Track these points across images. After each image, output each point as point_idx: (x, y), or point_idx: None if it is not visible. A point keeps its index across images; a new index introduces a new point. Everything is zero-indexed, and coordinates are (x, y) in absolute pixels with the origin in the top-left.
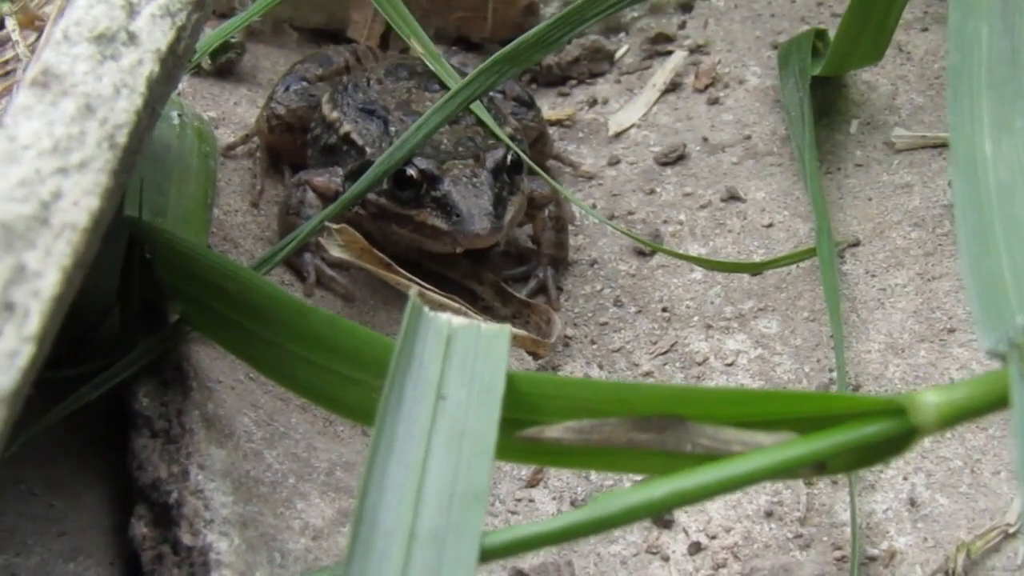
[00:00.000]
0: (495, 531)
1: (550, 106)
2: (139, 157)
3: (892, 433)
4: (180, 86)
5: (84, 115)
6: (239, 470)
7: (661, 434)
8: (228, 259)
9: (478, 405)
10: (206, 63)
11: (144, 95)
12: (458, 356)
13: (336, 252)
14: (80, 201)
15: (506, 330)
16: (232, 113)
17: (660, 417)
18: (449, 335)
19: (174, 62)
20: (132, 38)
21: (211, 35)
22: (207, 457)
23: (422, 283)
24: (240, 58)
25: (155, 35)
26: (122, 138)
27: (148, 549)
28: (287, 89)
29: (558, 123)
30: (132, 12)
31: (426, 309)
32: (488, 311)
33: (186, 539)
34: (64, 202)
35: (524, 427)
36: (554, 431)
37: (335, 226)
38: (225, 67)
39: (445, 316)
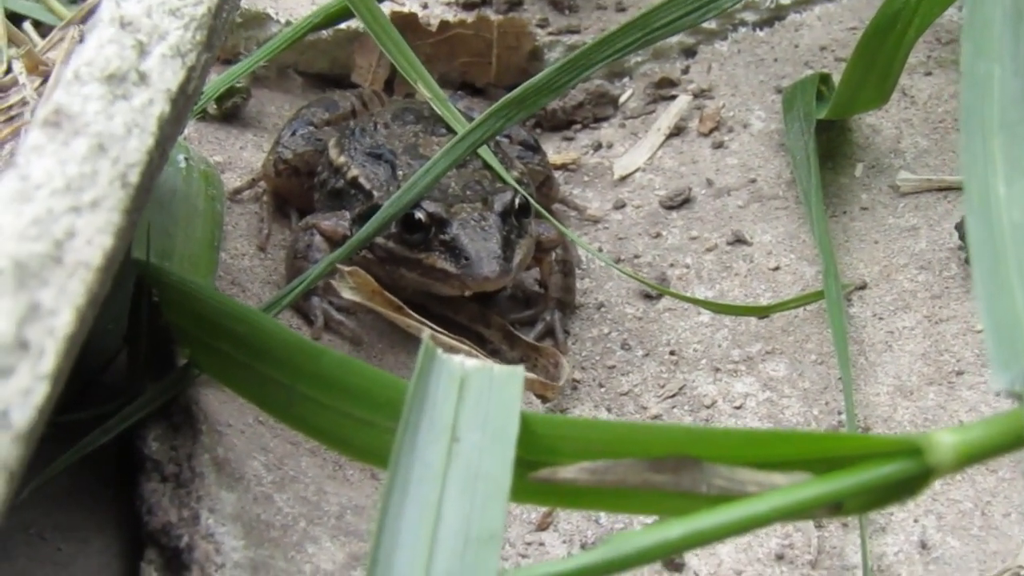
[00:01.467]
0: (510, 571)
1: (555, 150)
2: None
3: (909, 473)
4: (186, 131)
5: (96, 154)
6: (249, 514)
7: (676, 475)
8: (236, 301)
9: (492, 447)
10: (212, 108)
11: (155, 135)
12: (472, 398)
13: (347, 294)
14: (93, 240)
15: (519, 372)
16: (238, 158)
17: (675, 458)
18: (462, 377)
19: (184, 102)
20: (143, 78)
21: (216, 80)
22: (217, 501)
23: (432, 325)
24: (245, 103)
25: (166, 75)
26: (134, 177)
27: None
28: (294, 133)
29: (563, 167)
30: (143, 52)
31: (439, 351)
32: (496, 354)
33: None
34: (77, 241)
35: (537, 468)
36: (568, 472)
37: (347, 268)
38: (231, 112)
39: (458, 358)
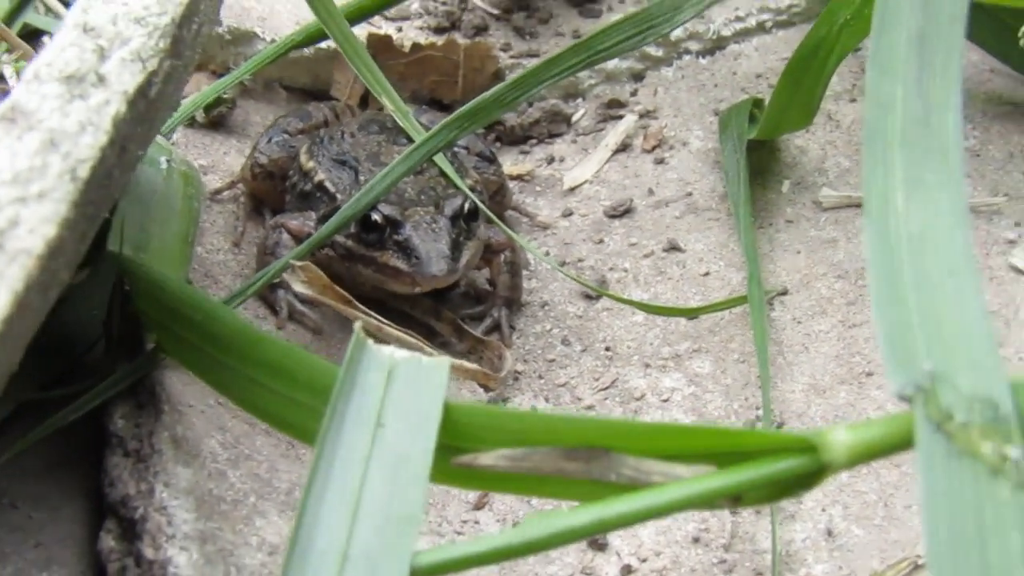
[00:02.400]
0: (426, 551)
1: (512, 162)
2: (123, 198)
3: (803, 469)
4: (174, 136)
5: (47, 149)
6: (203, 488)
7: (587, 464)
8: (198, 291)
9: (415, 433)
10: (200, 116)
11: (110, 133)
12: (398, 387)
13: (299, 288)
14: (37, 229)
15: (445, 362)
16: (221, 162)
17: (587, 448)
18: (391, 367)
19: (146, 105)
20: (101, 80)
21: (205, 91)
22: (173, 476)
23: (380, 318)
24: (231, 112)
25: (124, 78)
26: (84, 172)
27: (114, 561)
28: (269, 141)
29: (519, 178)
30: (103, 56)
31: (370, 342)
32: (445, 346)
33: (148, 553)
34: (20, 229)
35: (463, 454)
36: (488, 458)
37: (298, 264)
38: (217, 120)
39: (388, 349)
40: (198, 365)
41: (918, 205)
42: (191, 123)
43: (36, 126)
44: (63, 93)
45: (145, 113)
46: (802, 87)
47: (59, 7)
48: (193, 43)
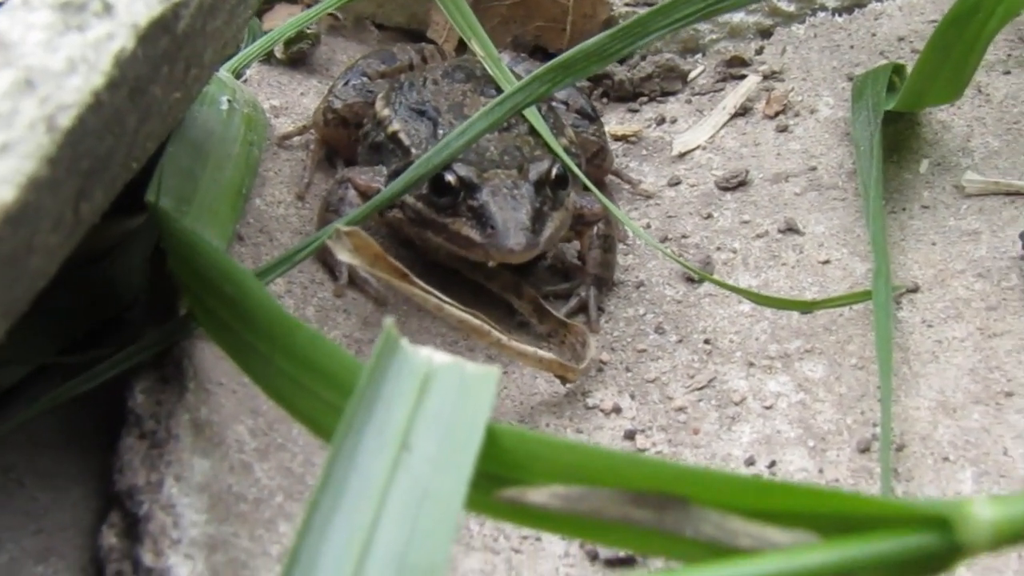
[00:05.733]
0: None
1: (618, 121)
2: (173, 142)
3: (933, 549)
4: (247, 72)
5: (21, 91)
6: (221, 484)
7: (659, 513)
8: (231, 260)
9: (448, 462)
10: (279, 51)
11: (109, 74)
12: (433, 401)
13: (344, 258)
14: None
15: (493, 373)
16: (297, 103)
17: (660, 494)
18: (426, 375)
19: (171, 41)
20: (107, 9)
21: (286, 24)
22: (188, 468)
23: (441, 296)
24: (314, 49)
25: (136, 8)
26: (66, 120)
27: (113, 562)
28: (346, 84)
29: (624, 139)
30: None
31: (403, 342)
32: (524, 327)
33: (147, 559)
34: None
35: (507, 484)
36: (539, 495)
37: (346, 229)
38: (297, 57)
39: (425, 351)
40: (226, 340)
41: None
42: (268, 59)
43: (14, 62)
44: (55, 23)
45: (172, 51)
46: (952, 55)
47: None
48: None
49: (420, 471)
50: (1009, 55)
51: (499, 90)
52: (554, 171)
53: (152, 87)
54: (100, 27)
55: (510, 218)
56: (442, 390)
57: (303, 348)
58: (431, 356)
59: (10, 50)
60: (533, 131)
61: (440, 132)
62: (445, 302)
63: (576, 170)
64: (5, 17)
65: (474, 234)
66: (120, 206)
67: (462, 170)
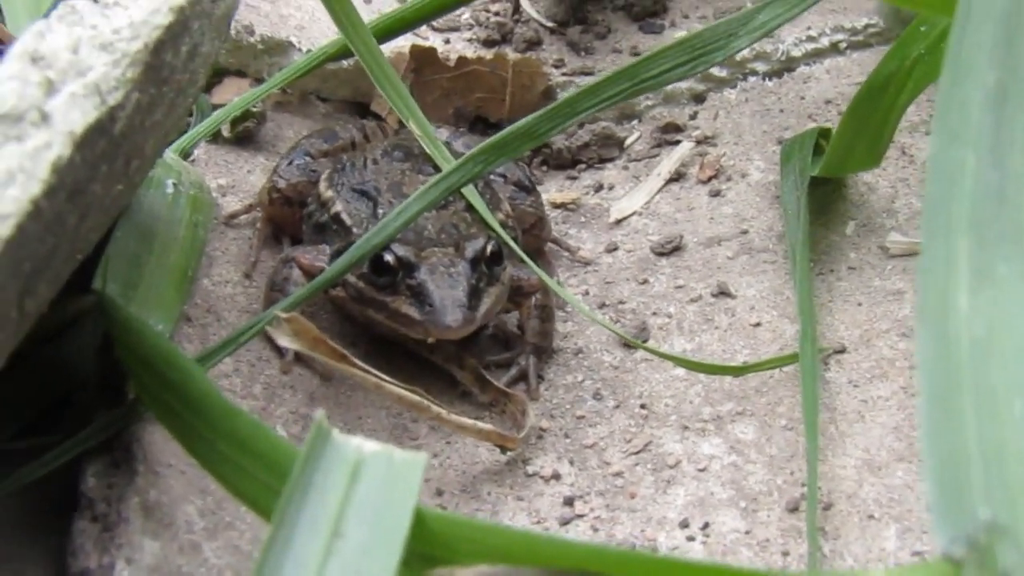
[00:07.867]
0: None
1: (557, 188)
2: (120, 227)
3: None
4: (195, 152)
5: None
6: (171, 565)
7: None
8: (175, 347)
9: (378, 546)
10: (226, 130)
11: (47, 182)
12: (364, 488)
13: (284, 342)
14: None
15: (421, 459)
16: (244, 181)
17: (581, 573)
18: (356, 463)
19: (109, 142)
20: (45, 118)
21: (231, 104)
22: (138, 549)
23: (379, 375)
24: (259, 127)
25: (72, 116)
26: (5, 230)
27: None
28: (290, 163)
29: (563, 206)
30: (51, 90)
31: (334, 433)
32: (466, 397)
33: None
34: None
35: (437, 563)
36: (468, 574)
37: (285, 315)
38: (244, 135)
39: (355, 441)
40: (172, 424)
41: (986, 304)
42: (215, 138)
43: None
44: None
45: (111, 150)
46: (869, 125)
47: None
48: (187, 65)
49: (351, 557)
50: (931, 115)
51: (437, 168)
52: (489, 248)
53: (92, 185)
54: (38, 136)
55: (447, 296)
56: (371, 477)
57: (243, 434)
58: (361, 445)
59: None
60: (470, 207)
61: (380, 212)
62: (385, 380)
63: (512, 244)
64: None
65: (413, 312)
66: (72, 284)
67: (400, 250)
